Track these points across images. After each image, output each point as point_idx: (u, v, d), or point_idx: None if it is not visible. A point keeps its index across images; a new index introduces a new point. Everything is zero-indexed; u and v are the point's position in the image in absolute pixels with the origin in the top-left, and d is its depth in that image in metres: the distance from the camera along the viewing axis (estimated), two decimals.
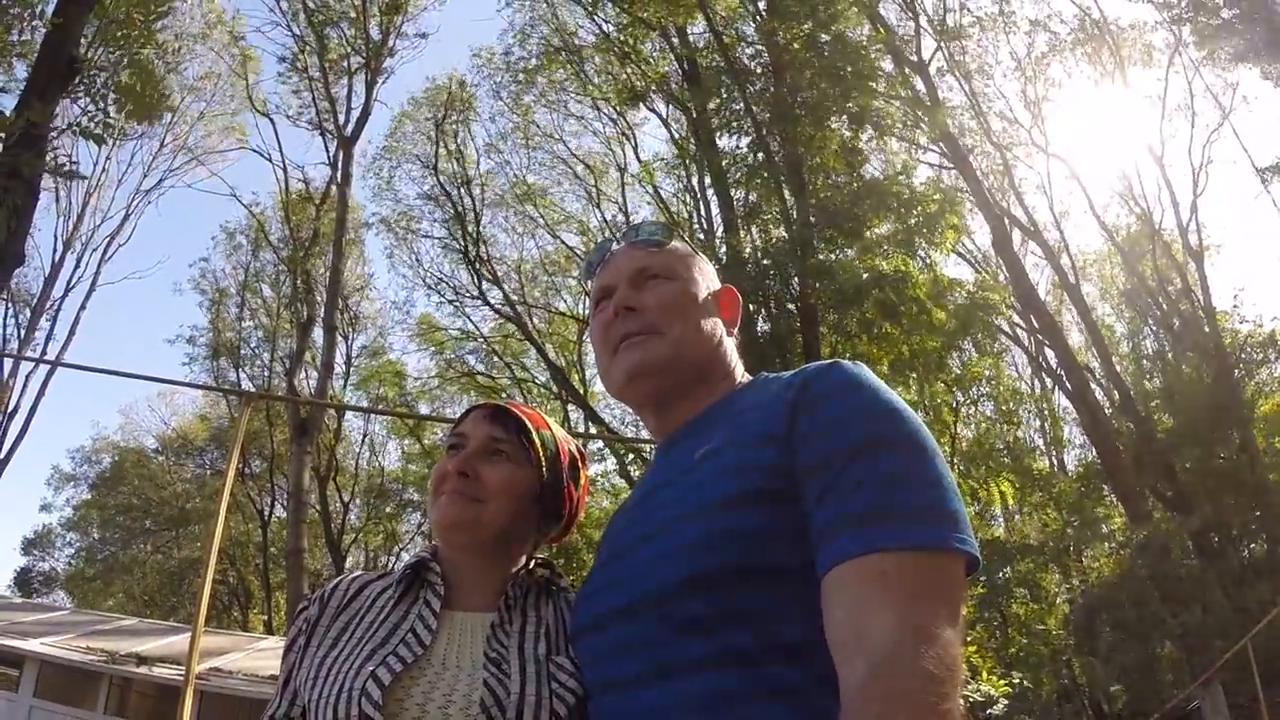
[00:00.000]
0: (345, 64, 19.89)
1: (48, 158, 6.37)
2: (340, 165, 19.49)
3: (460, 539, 1.32)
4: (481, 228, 19.75)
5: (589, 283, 1.41)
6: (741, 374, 1.31)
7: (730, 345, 1.31)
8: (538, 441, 1.38)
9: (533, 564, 1.38)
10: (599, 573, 1.21)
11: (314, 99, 19.92)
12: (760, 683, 0.94)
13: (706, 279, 1.34)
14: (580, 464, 1.47)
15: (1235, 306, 19.64)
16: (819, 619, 0.93)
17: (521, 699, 1.15)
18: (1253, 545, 19.56)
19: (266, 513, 24.30)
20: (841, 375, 1.06)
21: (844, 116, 14.79)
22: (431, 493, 1.36)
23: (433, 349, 21.70)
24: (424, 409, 22.17)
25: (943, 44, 17.22)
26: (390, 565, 24.82)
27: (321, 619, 1.30)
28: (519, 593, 1.32)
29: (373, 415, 26.31)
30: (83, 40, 6.72)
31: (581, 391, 20.08)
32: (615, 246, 1.39)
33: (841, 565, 0.92)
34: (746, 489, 1.02)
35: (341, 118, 19.73)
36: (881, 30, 16.44)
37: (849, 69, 14.98)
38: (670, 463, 1.20)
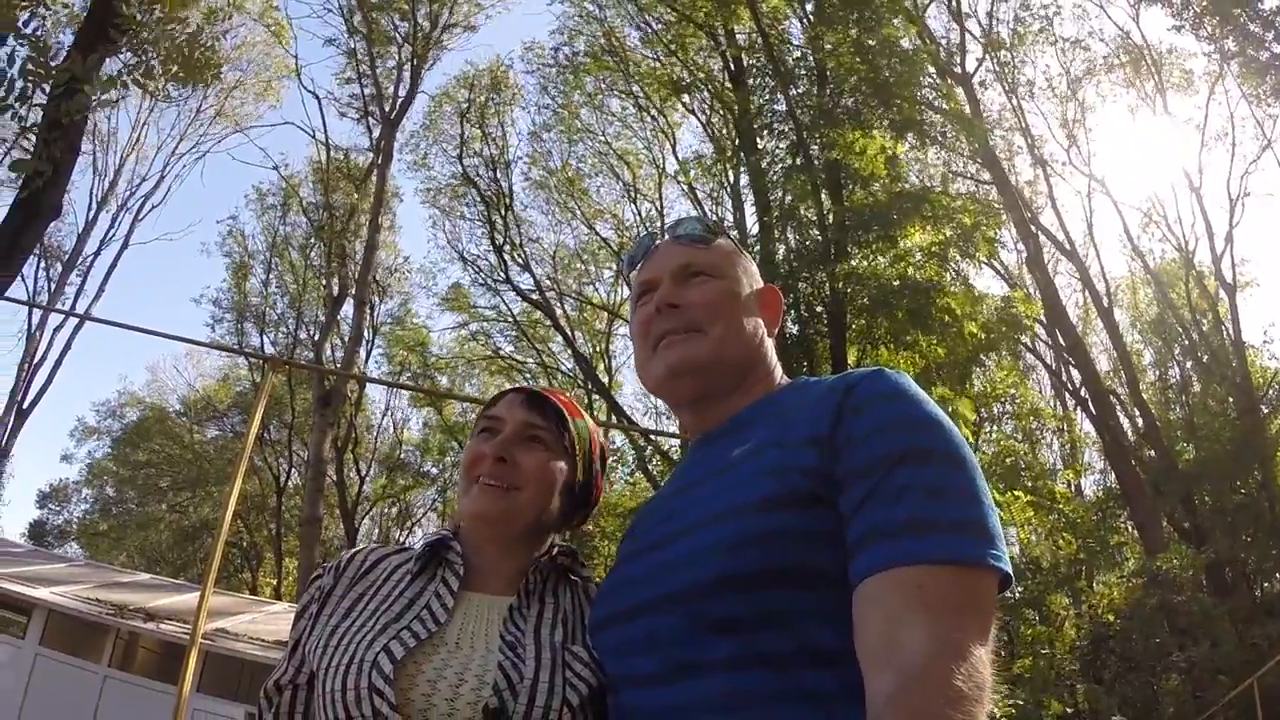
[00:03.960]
0: (394, 50, 20.07)
1: (90, 113, 6.51)
2: (382, 147, 19.66)
3: (492, 531, 1.32)
4: (515, 212, 19.86)
5: (631, 275, 1.39)
6: (780, 375, 1.30)
7: (770, 346, 1.31)
8: (573, 430, 1.38)
9: (555, 550, 1.36)
10: (627, 565, 1.20)
11: (360, 83, 20.13)
12: (788, 685, 0.94)
13: (750, 278, 1.33)
14: (605, 455, 1.48)
15: (1266, 343, 19.44)
16: (851, 625, 0.93)
17: (535, 684, 1.15)
18: (1266, 583, 19.36)
19: (283, 479, 24.49)
20: (887, 383, 1.06)
21: (885, 124, 14.76)
22: (464, 475, 1.35)
23: (461, 318, 21.79)
24: (444, 381, 22.26)
25: (989, 54, 17.14)
26: (402, 539, 25.03)
27: (335, 589, 1.30)
28: (539, 579, 1.31)
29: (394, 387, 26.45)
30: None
31: (606, 382, 20.12)
32: (659, 241, 1.38)
33: (878, 575, 0.92)
34: (787, 491, 1.02)
35: (386, 104, 19.90)
36: (927, 40, 16.39)
37: (893, 78, 14.97)
38: (707, 459, 1.20)
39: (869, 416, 1.02)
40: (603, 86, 19.65)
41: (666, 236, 1.37)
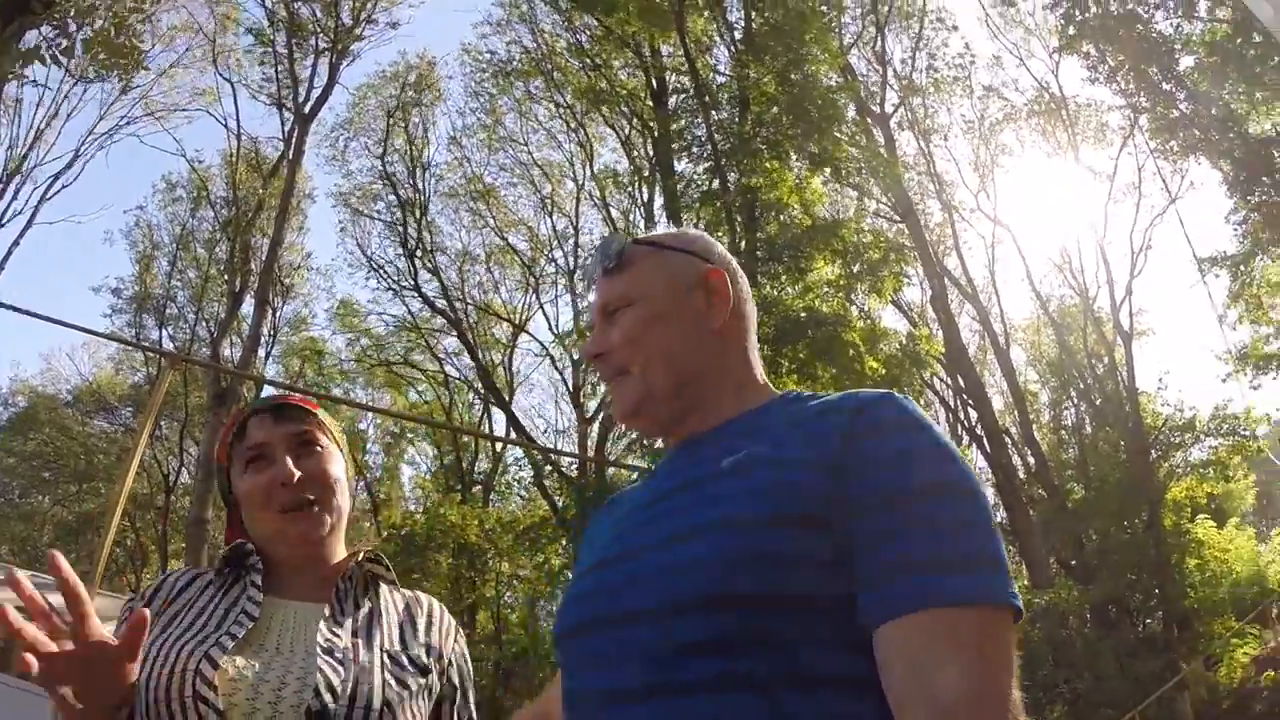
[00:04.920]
0: (313, 42, 19.54)
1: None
2: (294, 141, 19.12)
3: (311, 551, 1.32)
4: (429, 217, 19.59)
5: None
6: (759, 371, 1.20)
7: (730, 346, 1.18)
8: (329, 424, 1.39)
9: (361, 556, 1.37)
10: (593, 574, 1.12)
11: (276, 74, 19.56)
12: (767, 711, 0.90)
13: (676, 277, 1.19)
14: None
15: (1159, 389, 20.22)
16: (838, 653, 0.91)
17: (355, 685, 1.17)
18: (1149, 620, 20.04)
19: (172, 477, 23.61)
20: (900, 410, 1.02)
21: (804, 157, 14.92)
22: (258, 507, 1.32)
23: (349, 334, 21.53)
24: (336, 390, 21.86)
25: (906, 100, 17.52)
26: None
27: (150, 609, 1.25)
28: (350, 584, 1.32)
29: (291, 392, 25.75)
30: None
31: (506, 396, 19.92)
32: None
33: (907, 615, 0.89)
34: (784, 510, 0.96)
35: (302, 95, 19.38)
36: (850, 79, 16.66)
37: (815, 111, 15.15)
38: (687, 467, 1.11)
39: (886, 443, 0.98)
40: (531, 92, 19.53)
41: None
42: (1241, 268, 18.24)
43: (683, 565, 0.98)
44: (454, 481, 20.43)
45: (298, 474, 1.30)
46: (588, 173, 19.95)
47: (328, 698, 1.15)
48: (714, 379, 1.16)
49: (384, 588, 1.38)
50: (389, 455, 24.01)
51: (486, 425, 21.02)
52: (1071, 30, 18.44)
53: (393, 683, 1.21)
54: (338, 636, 1.25)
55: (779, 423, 1.09)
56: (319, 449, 1.35)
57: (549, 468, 17.30)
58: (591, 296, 1.26)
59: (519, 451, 18.89)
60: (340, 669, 1.19)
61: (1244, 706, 14.92)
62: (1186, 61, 17.66)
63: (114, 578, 24.91)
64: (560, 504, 16.52)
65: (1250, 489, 23.75)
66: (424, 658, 1.32)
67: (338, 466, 1.36)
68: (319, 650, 1.21)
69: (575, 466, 17.19)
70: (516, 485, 19.15)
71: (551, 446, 19.01)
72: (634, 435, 14.64)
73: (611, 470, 15.69)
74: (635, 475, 14.22)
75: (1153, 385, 20.57)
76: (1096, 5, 18.19)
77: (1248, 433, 18.89)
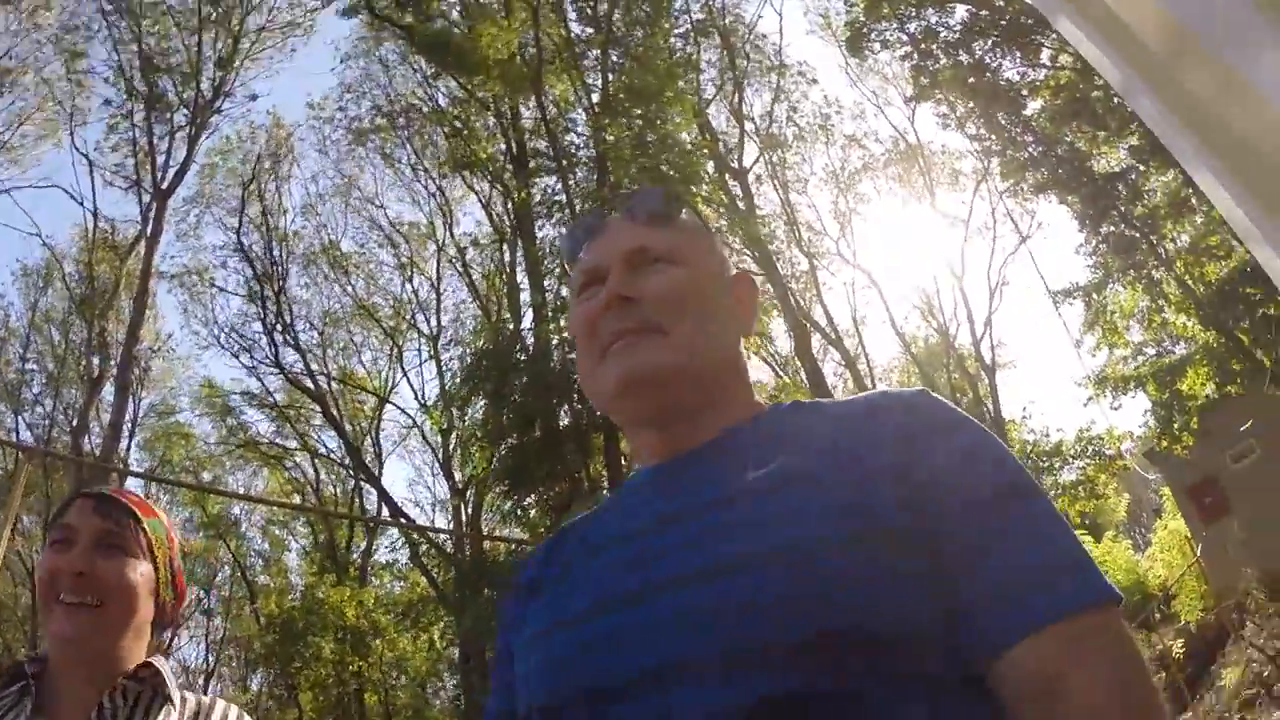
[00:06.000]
0: (169, 116, 19.05)
1: None
2: (151, 219, 18.53)
3: (81, 654, 1.25)
4: (286, 290, 19.17)
5: (572, 262, 1.11)
6: (753, 391, 1.08)
7: (742, 352, 1.07)
8: (149, 530, 1.34)
9: (135, 668, 1.29)
10: (587, 622, 0.88)
11: (134, 149, 18.97)
12: None
13: (721, 264, 1.09)
14: (183, 551, 1.44)
15: (1025, 417, 21.00)
16: (950, 688, 0.78)
17: None
18: None
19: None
20: (945, 405, 0.94)
21: None
22: (43, 594, 1.28)
23: (214, 416, 20.85)
24: (206, 476, 21.08)
25: (764, 152, 18.00)
26: (168, 641, 23.19)
27: None
28: (121, 702, 1.24)
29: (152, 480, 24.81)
30: None
31: (376, 471, 19.47)
32: (605, 219, 1.11)
33: (1038, 631, 0.78)
34: (870, 526, 0.81)
35: (160, 172, 18.84)
36: (707, 136, 17.02)
37: (672, 171, 15.38)
38: (698, 485, 0.92)
39: (954, 442, 0.88)
40: (387, 153, 19.38)
41: (620, 212, 1.09)
42: (1094, 296, 19.10)
43: (745, 602, 0.79)
44: (328, 563, 19.79)
45: (86, 569, 1.25)
46: (448, 235, 19.88)
47: None
48: (736, 382, 1.04)
49: (177, 699, 1.30)
50: (265, 538, 23.18)
51: (358, 501, 20.49)
52: (923, 80, 19.20)
53: None
54: None
55: (801, 430, 0.95)
56: (124, 553, 1.30)
57: (424, 545, 16.92)
58: (609, 235, 1.07)
59: (394, 529, 18.47)
60: None
61: None
62: (1034, 105, 18.57)
63: None
64: (439, 580, 16.12)
65: (1121, 503, 24.84)
66: None
67: (139, 573, 1.30)
68: None
69: (451, 542, 16.83)
70: (392, 565, 18.69)
71: (425, 524, 18.65)
72: (508, 506, 14.43)
73: (488, 544, 15.46)
74: (514, 547, 13.99)
75: (1018, 415, 21.37)
76: (946, 56, 18.97)
77: (1111, 452, 19.72)
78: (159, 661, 1.33)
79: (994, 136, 19.22)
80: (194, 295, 20.23)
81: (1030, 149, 18.65)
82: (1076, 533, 0.87)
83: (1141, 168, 16.55)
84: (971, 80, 18.49)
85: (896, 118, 20.89)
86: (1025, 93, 18.67)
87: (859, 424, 0.92)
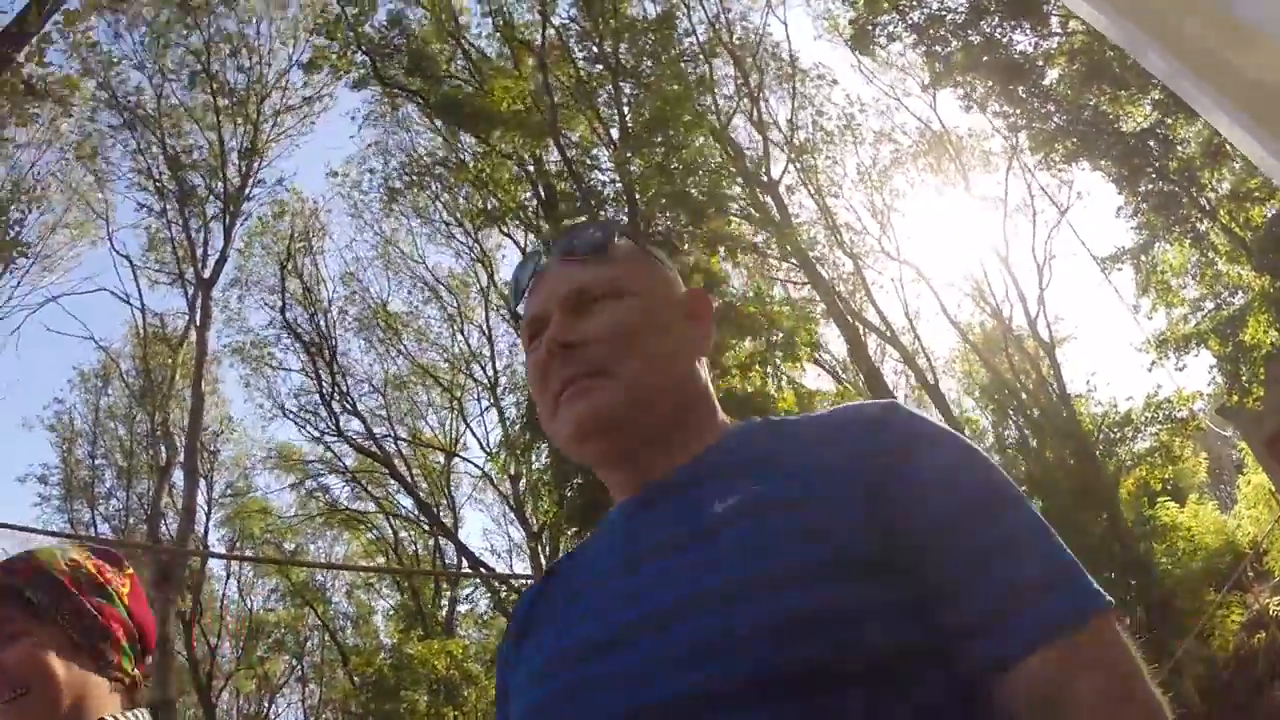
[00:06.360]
0: (202, 209, 19.53)
1: None
2: (199, 308, 19.00)
3: None
4: (338, 358, 19.49)
5: (519, 307, 1.12)
6: (721, 412, 1.05)
7: (705, 374, 1.05)
8: (34, 598, 1.22)
9: None
10: (573, 666, 0.88)
11: (173, 245, 19.50)
12: None
13: (667, 286, 1.07)
14: (105, 576, 1.30)
15: (1090, 391, 20.57)
16: (942, 710, 0.78)
17: None
18: (1128, 618, 20.11)
19: None
20: (918, 417, 0.92)
21: (698, 244, 15.10)
22: None
23: (294, 479, 21.20)
24: (289, 545, 21.42)
25: (792, 160, 17.91)
26: (266, 710, 23.62)
27: None
28: None
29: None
30: None
31: (450, 524, 19.61)
32: (544, 260, 1.09)
33: (1038, 649, 0.78)
34: (836, 555, 0.80)
35: (200, 263, 19.33)
36: (730, 153, 16.99)
37: (699, 194, 15.39)
38: (667, 520, 0.92)
39: (928, 457, 0.87)
40: (418, 208, 19.58)
41: (553, 254, 1.08)
42: (1142, 258, 18.69)
43: (714, 641, 0.79)
44: (415, 619, 20.07)
45: None
46: (490, 284, 20.07)
47: None
48: (698, 406, 1.02)
49: None
50: (350, 602, 23.56)
51: (439, 557, 20.69)
52: (938, 66, 19.01)
53: None
54: None
55: (768, 453, 0.94)
56: (20, 635, 1.21)
57: (505, 590, 17.03)
58: (547, 281, 1.05)
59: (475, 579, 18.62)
60: None
61: (1245, 672, 14.97)
62: (1051, 74, 18.28)
63: None
64: None
65: (1200, 464, 24.16)
66: None
67: (48, 654, 1.21)
68: None
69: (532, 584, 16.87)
70: (476, 614, 18.85)
71: (503, 570, 18.77)
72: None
73: None
74: None
75: (1083, 389, 20.95)
76: (955, 39, 18.77)
77: (1183, 414, 19.22)
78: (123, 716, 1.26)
79: (1017, 111, 18.95)
80: (256, 368, 20.60)
81: (1055, 118, 18.35)
82: (1056, 536, 0.85)
83: (1169, 120, 16.19)
84: (985, 59, 18.26)
85: (919, 107, 20.62)
86: (1041, 63, 18.39)
87: (827, 444, 0.91)
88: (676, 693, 0.78)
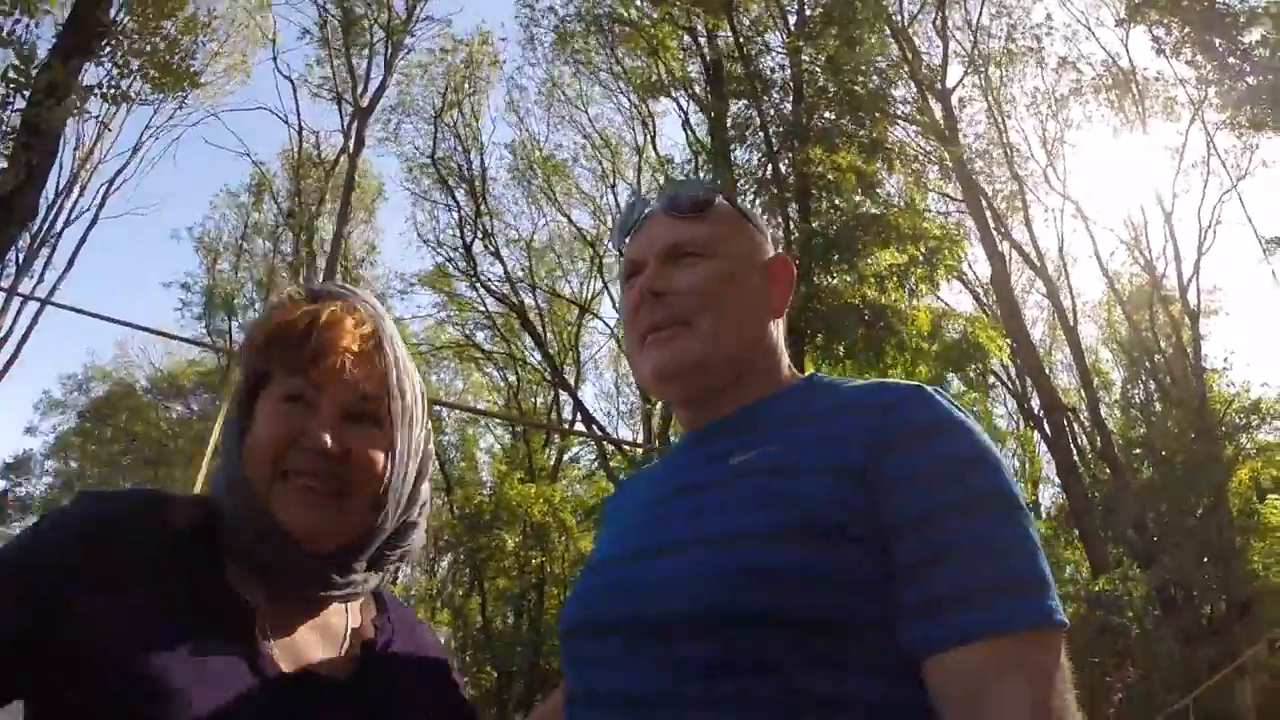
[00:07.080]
0: (367, 37, 19.77)
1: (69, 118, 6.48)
2: (354, 134, 19.50)
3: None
4: (488, 200, 19.69)
5: (622, 244, 1.24)
6: (787, 366, 1.18)
7: (776, 333, 1.17)
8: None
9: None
10: (602, 570, 1.10)
11: (333, 70, 19.88)
12: None
13: (754, 250, 1.18)
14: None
15: (1225, 368, 19.67)
16: (851, 674, 0.87)
17: None
18: (1209, 607, 19.65)
19: None
20: (934, 408, 0.97)
21: (856, 147, 14.73)
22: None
23: (436, 299, 21.58)
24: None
25: (970, 72, 17.17)
26: None
27: None
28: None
29: None
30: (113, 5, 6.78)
31: (573, 381, 20.08)
32: (649, 208, 1.21)
33: (964, 644, 0.85)
34: (801, 522, 0.91)
35: (360, 89, 19.71)
36: (910, 54, 16.37)
37: (865, 95, 14.93)
38: (701, 462, 1.08)
39: (919, 451, 0.93)
40: (589, 54, 19.35)
41: (656, 205, 1.21)
42: None
43: (685, 577, 0.93)
44: (521, 461, 20.77)
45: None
46: (648, 145, 19.84)
47: None
48: (762, 362, 1.14)
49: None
50: (460, 435, 24.38)
51: (555, 410, 21.35)
52: (1136, 1, 17.82)
53: None
54: None
55: (798, 416, 1.05)
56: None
57: (612, 450, 17.50)
58: (650, 229, 1.18)
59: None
60: None
61: None
62: (1252, 35, 17.00)
63: None
64: None
65: None
66: None
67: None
68: None
69: (639, 450, 17.33)
70: (580, 466, 19.27)
71: (612, 432, 19.18)
72: None
73: None
74: None
75: (1219, 365, 20.03)
76: None
77: None
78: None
79: (1211, 65, 17.69)
80: (422, 195, 20.85)
81: (1249, 79, 17.09)
82: (1035, 551, 0.89)
83: None
84: (1187, 2, 17.02)
85: (1109, 39, 19.39)
86: (1244, 20, 17.06)
87: (846, 416, 1.00)
88: (657, 613, 0.94)
